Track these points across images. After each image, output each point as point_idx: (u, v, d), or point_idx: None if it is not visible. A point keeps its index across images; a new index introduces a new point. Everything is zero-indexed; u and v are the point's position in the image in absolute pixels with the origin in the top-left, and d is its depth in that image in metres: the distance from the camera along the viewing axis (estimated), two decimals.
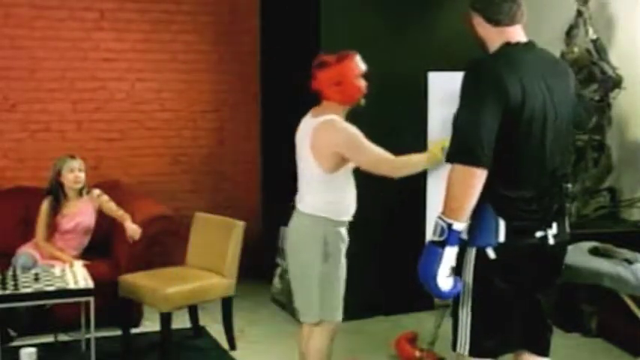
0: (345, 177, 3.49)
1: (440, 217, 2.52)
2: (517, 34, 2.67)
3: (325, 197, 3.45)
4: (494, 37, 2.66)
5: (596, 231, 4.27)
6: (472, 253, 2.59)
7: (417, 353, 4.32)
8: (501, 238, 2.55)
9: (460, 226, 2.49)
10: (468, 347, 2.62)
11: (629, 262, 3.75)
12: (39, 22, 5.46)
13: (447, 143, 3.12)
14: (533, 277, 2.66)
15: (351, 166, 3.50)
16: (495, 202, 2.54)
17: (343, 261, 3.50)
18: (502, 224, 2.54)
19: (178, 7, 5.84)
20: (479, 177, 2.45)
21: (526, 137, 2.54)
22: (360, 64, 3.53)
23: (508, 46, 2.63)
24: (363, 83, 3.50)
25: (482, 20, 2.70)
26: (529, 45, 2.68)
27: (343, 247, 3.50)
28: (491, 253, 2.56)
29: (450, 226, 2.48)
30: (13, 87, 5.45)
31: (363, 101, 3.54)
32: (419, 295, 4.73)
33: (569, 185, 2.71)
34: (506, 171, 2.54)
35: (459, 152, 2.49)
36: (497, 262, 2.56)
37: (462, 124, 2.51)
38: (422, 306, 4.93)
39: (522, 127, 2.52)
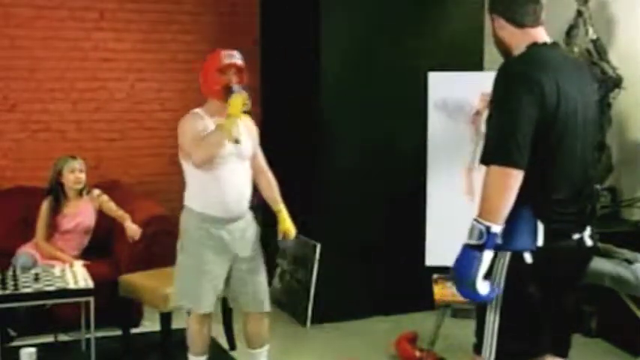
0: (211, 173, 3.52)
1: (477, 220, 2.44)
2: (542, 35, 2.62)
3: (189, 189, 3.64)
4: (518, 39, 2.59)
5: (597, 231, 4.26)
6: (506, 256, 2.53)
7: (417, 353, 4.32)
8: (540, 241, 2.50)
9: (498, 228, 2.43)
10: (494, 352, 2.58)
11: (630, 262, 3.75)
12: (39, 22, 5.46)
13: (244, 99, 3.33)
14: (565, 279, 2.63)
15: (222, 166, 3.51)
16: (534, 204, 2.49)
17: (209, 257, 3.55)
18: (541, 227, 2.50)
19: (178, 7, 5.83)
20: (515, 178, 2.40)
21: (563, 138, 2.50)
22: (222, 58, 3.57)
23: (536, 47, 2.57)
24: (221, 77, 3.53)
25: (505, 23, 2.62)
26: (555, 45, 2.64)
27: (211, 243, 3.55)
28: (528, 257, 2.50)
29: (488, 229, 2.41)
30: (13, 87, 5.45)
31: (232, 96, 3.49)
32: (419, 295, 4.77)
33: (599, 186, 2.67)
34: (544, 173, 2.50)
35: (495, 153, 2.43)
36: (533, 267, 2.50)
37: (497, 125, 2.46)
38: (422, 306, 4.93)
39: (559, 127, 2.48)
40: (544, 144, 2.46)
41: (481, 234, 2.42)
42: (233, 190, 3.54)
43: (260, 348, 3.85)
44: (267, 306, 3.78)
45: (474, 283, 2.44)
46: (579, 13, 4.79)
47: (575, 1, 4.81)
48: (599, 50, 4.74)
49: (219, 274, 3.59)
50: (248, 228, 3.67)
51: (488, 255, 2.45)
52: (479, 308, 2.63)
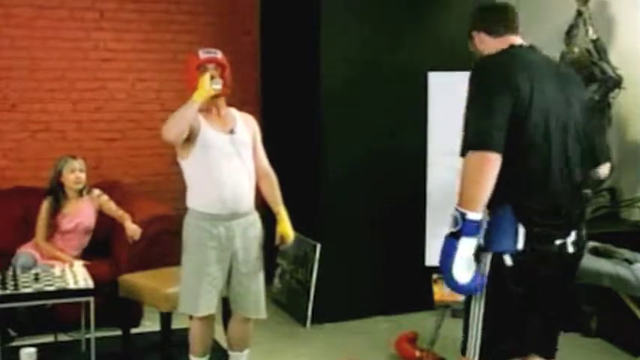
0: (208, 168, 3.52)
1: (455, 208, 2.46)
2: (519, 41, 2.69)
3: (189, 188, 3.63)
4: (498, 47, 2.67)
5: (596, 231, 4.27)
6: (487, 258, 2.54)
7: (417, 353, 4.32)
8: (520, 244, 2.51)
9: (475, 215, 2.43)
10: (478, 352, 2.59)
11: (629, 262, 3.74)
12: (39, 22, 5.46)
13: (212, 75, 3.42)
14: (549, 281, 2.62)
15: (216, 159, 3.52)
16: (517, 209, 2.50)
17: (210, 257, 3.53)
18: (522, 231, 2.50)
19: (178, 7, 5.83)
20: (492, 163, 2.41)
21: (535, 138, 2.51)
22: (200, 55, 3.62)
23: (514, 47, 2.64)
24: (204, 73, 3.55)
25: (484, 35, 2.73)
26: (533, 48, 2.69)
27: (210, 243, 3.53)
28: (508, 260, 2.51)
29: (463, 215, 2.42)
30: (13, 87, 5.45)
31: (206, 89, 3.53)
32: (419, 295, 4.77)
33: (588, 191, 2.65)
34: (528, 178, 2.51)
35: (471, 141, 2.46)
36: (513, 269, 2.51)
37: (472, 115, 2.49)
38: (422, 306, 4.93)
39: (531, 124, 2.49)
40: (516, 143, 2.47)
41: (457, 221, 2.43)
42: (229, 184, 3.51)
43: (242, 351, 3.83)
44: (263, 312, 3.75)
45: (450, 271, 2.45)
46: (579, 13, 4.79)
47: (575, 1, 4.81)
48: (599, 50, 4.74)
49: (219, 274, 3.57)
50: (250, 228, 3.64)
51: (466, 242, 2.44)
52: (465, 310, 2.64)
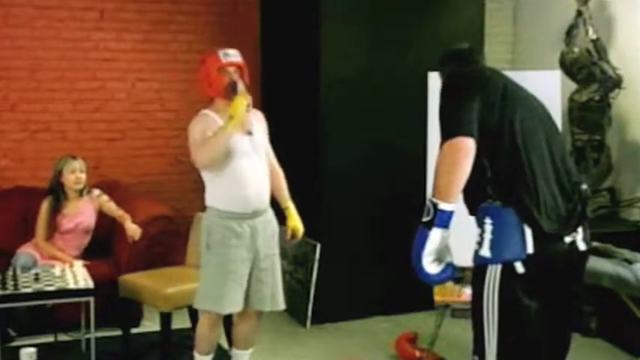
0: (228, 168, 3.51)
1: (428, 199, 2.45)
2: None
3: (209, 188, 3.59)
4: None
5: (596, 231, 4.26)
6: (497, 270, 2.47)
7: (417, 353, 4.33)
8: (530, 248, 2.44)
9: (447, 206, 2.39)
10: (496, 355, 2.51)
11: (629, 262, 3.74)
12: (39, 22, 5.46)
13: (246, 99, 3.37)
14: (561, 287, 2.57)
15: (237, 159, 3.51)
16: (519, 209, 2.45)
17: (236, 255, 3.52)
18: (529, 232, 2.44)
19: (178, 7, 5.83)
20: (464, 150, 2.40)
21: (529, 138, 2.51)
22: (221, 58, 3.59)
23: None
24: (223, 76, 3.54)
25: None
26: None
27: (235, 241, 3.51)
28: (519, 267, 2.44)
29: (435, 205, 2.40)
30: (13, 87, 5.45)
31: (235, 98, 3.49)
32: (419, 295, 4.77)
33: (585, 187, 2.60)
34: (523, 176, 2.47)
35: (443, 132, 2.47)
36: (525, 277, 2.44)
37: (443, 114, 2.53)
38: (422, 306, 4.93)
39: (515, 125, 2.50)
40: (499, 142, 2.49)
41: (429, 211, 2.41)
42: (251, 182, 3.53)
43: (248, 349, 3.84)
44: (281, 304, 3.75)
45: (420, 261, 2.42)
46: (579, 13, 4.80)
47: (575, 1, 4.81)
48: (599, 50, 4.75)
49: (244, 272, 3.56)
50: (268, 224, 3.65)
51: (437, 233, 2.41)
52: (476, 326, 2.56)
